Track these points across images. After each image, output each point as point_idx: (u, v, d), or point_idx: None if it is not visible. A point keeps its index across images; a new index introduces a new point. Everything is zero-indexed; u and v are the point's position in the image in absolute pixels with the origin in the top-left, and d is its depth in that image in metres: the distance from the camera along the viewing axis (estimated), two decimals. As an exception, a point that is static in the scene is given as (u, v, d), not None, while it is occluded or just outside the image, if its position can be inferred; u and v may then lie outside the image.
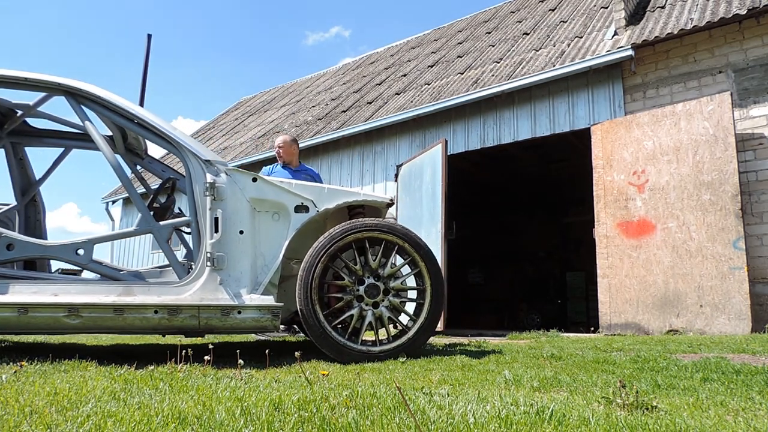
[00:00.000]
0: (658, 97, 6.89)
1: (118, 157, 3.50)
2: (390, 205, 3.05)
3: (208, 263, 2.71)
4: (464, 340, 4.94)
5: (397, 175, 8.96)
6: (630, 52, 6.83)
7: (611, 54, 7.01)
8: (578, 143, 7.68)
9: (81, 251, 2.74)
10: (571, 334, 6.95)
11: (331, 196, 2.93)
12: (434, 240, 7.49)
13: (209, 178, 2.82)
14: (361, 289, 2.77)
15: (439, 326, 7.27)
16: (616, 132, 6.73)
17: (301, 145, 10.28)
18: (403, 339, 2.74)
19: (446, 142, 7.55)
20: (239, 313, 2.69)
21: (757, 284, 5.66)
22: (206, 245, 2.75)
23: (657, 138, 6.38)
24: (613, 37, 7.57)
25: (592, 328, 6.85)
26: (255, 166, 11.43)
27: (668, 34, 6.65)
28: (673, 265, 6.05)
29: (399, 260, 2.89)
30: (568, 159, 10.58)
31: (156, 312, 2.61)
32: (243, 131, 14.05)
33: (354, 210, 3.12)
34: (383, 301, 2.78)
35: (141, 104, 4.82)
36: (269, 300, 2.73)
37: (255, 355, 2.94)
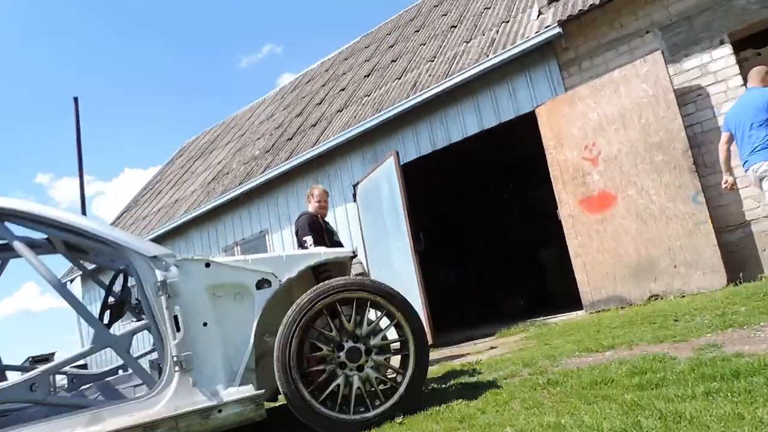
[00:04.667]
0: (593, 67, 6.95)
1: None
2: (354, 256, 2.93)
3: (176, 368, 2.55)
4: (456, 362, 4.84)
5: (354, 195, 8.85)
6: (557, 30, 6.86)
7: (540, 35, 7.03)
8: (528, 126, 7.67)
9: (36, 386, 2.54)
10: (558, 319, 6.96)
11: (290, 263, 2.80)
12: (404, 254, 7.41)
13: (159, 275, 2.65)
14: (342, 354, 2.66)
15: (429, 340, 7.20)
16: (561, 110, 6.76)
17: (253, 184, 10.10)
18: (396, 397, 2.63)
19: (397, 153, 7.47)
20: (220, 411, 2.54)
21: (724, 233, 5.75)
22: (170, 348, 2.59)
23: (600, 108, 6.43)
24: (538, 16, 7.61)
25: (575, 313, 6.85)
26: (210, 215, 11.16)
27: (591, 4, 6.70)
28: (640, 231, 6.11)
29: (373, 314, 2.78)
30: (522, 140, 10.62)
31: (132, 434, 2.45)
32: (191, 178, 13.70)
33: (318, 269, 3.00)
34: (367, 362, 2.67)
35: (81, 177, 4.59)
36: (249, 390, 2.59)
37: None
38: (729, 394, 1.76)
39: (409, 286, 7.31)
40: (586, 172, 6.54)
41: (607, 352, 3.13)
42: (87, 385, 3.39)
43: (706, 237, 5.64)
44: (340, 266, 3.10)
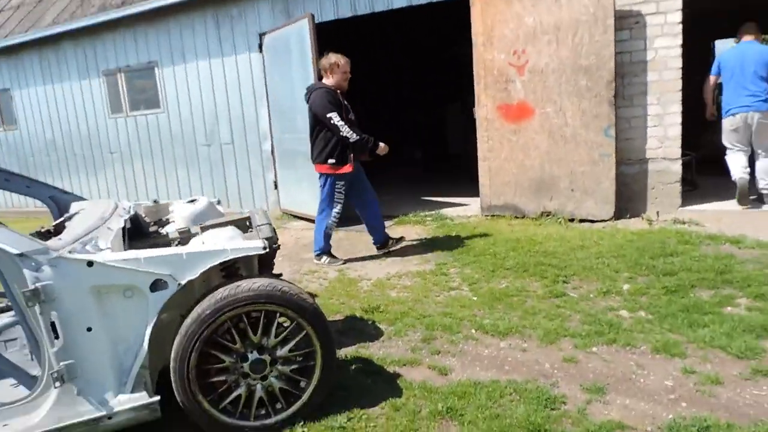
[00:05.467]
0: (539, -44, 6.28)
1: None
2: (265, 250, 2.64)
3: (57, 383, 2.29)
4: (355, 276, 4.84)
5: (261, 46, 7.93)
6: None
7: None
8: (461, 14, 6.99)
9: None
10: (455, 212, 7.14)
11: (192, 262, 2.47)
12: (312, 128, 6.99)
13: (29, 278, 2.23)
14: (246, 365, 2.53)
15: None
16: (497, 5, 6.19)
17: (139, 9, 8.62)
18: (299, 404, 2.61)
19: (312, 17, 6.63)
20: (110, 419, 2.39)
21: (623, 165, 5.98)
22: (48, 355, 2.30)
23: (538, 14, 5.97)
24: None
25: (471, 208, 7.00)
26: (88, 31, 9.57)
27: None
28: (549, 150, 6.17)
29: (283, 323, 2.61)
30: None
31: (7, 450, 2.25)
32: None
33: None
34: (272, 371, 2.58)
35: None
36: (143, 398, 2.42)
37: None
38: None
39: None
40: (510, 79, 6.27)
41: (501, 343, 3.28)
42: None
43: (608, 170, 5.84)
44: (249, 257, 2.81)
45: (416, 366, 3.10)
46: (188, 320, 2.46)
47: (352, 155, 5.11)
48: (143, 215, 3.68)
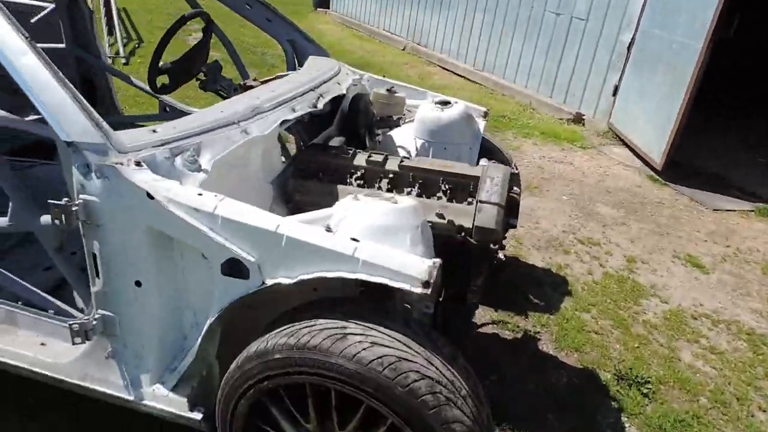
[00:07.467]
0: None
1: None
2: (426, 285, 1.36)
3: (89, 333, 1.59)
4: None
5: None
6: None
7: None
8: None
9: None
10: None
11: (291, 255, 1.36)
12: (697, 35, 4.79)
13: (75, 183, 1.45)
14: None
15: (658, 161, 5.15)
16: None
17: None
18: None
19: None
20: (141, 404, 1.66)
21: None
22: (93, 293, 1.60)
23: None
24: None
25: None
26: None
27: None
28: None
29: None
30: None
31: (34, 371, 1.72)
32: None
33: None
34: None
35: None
36: (181, 405, 1.59)
37: None
38: None
39: (681, 76, 5.02)
40: None
41: None
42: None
43: None
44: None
45: None
46: (246, 353, 1.45)
47: None
48: (371, 103, 2.67)
